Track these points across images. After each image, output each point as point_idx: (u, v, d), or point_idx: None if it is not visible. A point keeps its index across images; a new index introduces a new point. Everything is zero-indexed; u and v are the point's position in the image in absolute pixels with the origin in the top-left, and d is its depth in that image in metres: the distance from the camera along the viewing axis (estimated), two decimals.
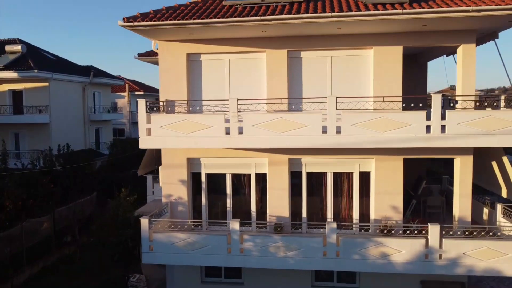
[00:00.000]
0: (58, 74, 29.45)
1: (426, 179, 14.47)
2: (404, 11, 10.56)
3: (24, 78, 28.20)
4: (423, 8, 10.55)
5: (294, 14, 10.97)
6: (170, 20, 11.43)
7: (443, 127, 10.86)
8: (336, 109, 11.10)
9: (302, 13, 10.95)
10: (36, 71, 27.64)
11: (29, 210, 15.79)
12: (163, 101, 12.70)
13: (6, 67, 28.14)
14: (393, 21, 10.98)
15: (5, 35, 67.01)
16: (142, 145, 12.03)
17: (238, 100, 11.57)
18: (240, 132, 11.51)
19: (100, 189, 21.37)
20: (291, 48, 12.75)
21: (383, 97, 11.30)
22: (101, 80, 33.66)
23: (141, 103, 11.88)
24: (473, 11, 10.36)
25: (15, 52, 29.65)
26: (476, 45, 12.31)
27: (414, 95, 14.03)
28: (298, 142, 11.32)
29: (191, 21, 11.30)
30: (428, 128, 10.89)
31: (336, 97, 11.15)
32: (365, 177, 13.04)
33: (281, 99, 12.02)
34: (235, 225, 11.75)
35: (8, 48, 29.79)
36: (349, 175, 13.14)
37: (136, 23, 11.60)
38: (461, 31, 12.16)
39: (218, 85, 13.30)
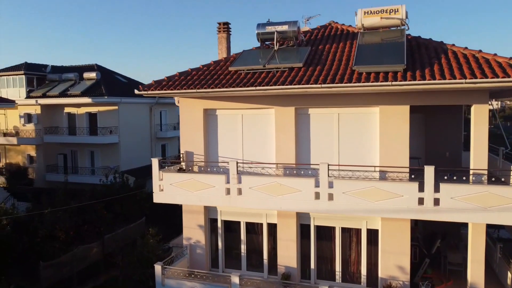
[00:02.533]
0: (126, 98, 32.40)
1: (442, 235, 13.93)
2: (394, 83, 10.47)
3: (98, 103, 31.58)
4: (414, 80, 10.37)
5: (287, 85, 11.41)
6: (178, 89, 12.54)
7: (436, 200, 10.58)
8: (329, 176, 11.34)
9: (295, 84, 11.35)
10: (106, 97, 30.80)
11: (81, 237, 18.13)
12: (172, 160, 13.83)
13: (83, 93, 31.73)
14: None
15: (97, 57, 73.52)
16: (156, 199, 13.33)
17: (237, 162, 12.31)
18: (240, 193, 12.25)
19: (150, 212, 23.39)
20: (298, 106, 13.13)
21: (374, 166, 11.28)
22: (167, 100, 36.24)
23: (154, 162, 13.17)
24: (467, 83, 9.97)
25: (91, 79, 33.25)
26: (491, 99, 11.63)
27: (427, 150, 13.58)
28: (292, 206, 11.77)
29: (195, 90, 12.31)
30: (421, 199, 10.69)
31: (328, 164, 11.38)
32: (373, 234, 13.02)
33: (276, 164, 12.56)
34: (235, 279, 12.55)
35: (85, 75, 33.51)
36: (357, 231, 13.19)
37: (150, 92, 12.91)
38: (472, 91, 11.61)
39: (232, 137, 14.13)
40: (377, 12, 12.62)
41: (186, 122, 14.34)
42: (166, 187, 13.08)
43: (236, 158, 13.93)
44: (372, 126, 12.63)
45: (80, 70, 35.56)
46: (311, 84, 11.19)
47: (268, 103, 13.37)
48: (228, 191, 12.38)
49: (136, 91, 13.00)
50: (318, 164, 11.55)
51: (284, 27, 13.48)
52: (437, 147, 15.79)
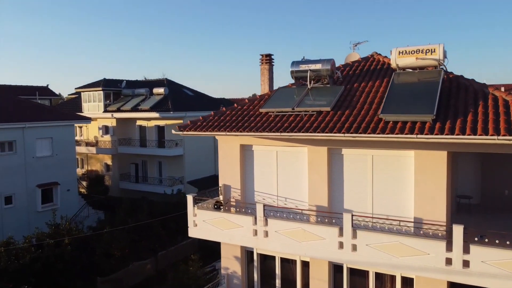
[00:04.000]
0: (191, 112, 33.93)
1: None
2: (419, 136, 9.93)
3: (165, 117, 33.49)
4: (441, 134, 9.74)
5: (311, 132, 11.33)
6: (210, 130, 13.03)
7: (466, 262, 9.86)
8: (352, 226, 11.08)
9: (319, 132, 11.23)
10: (172, 112, 32.53)
11: (136, 252, 19.54)
12: (199, 198, 14.29)
13: (152, 108, 33.84)
14: None
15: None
16: (191, 234, 13.96)
17: (264, 206, 12.47)
18: (266, 235, 12.41)
19: None
20: (331, 146, 12.94)
21: (399, 220, 10.77)
22: None
23: (189, 199, 13.81)
24: (499, 140, 9.15)
25: (159, 94, 35.31)
26: None
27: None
28: (316, 253, 11.67)
29: (225, 133, 12.70)
30: (449, 259, 10.03)
31: (352, 214, 11.11)
32: (408, 283, 12.45)
33: (302, 210, 12.47)
34: None
35: (155, 90, 35.67)
36: (392, 277, 12.70)
37: (185, 132, 13.56)
38: None
39: (268, 173, 14.31)
40: (413, 52, 11.95)
41: (224, 156, 14.78)
42: (200, 223, 13.65)
43: (271, 193, 14.11)
44: (407, 171, 12.03)
45: (151, 85, 37.88)
46: (335, 132, 10.99)
47: (300, 142, 13.33)
48: (255, 232, 12.60)
49: (173, 131, 13.73)
50: (342, 214, 11.29)
51: (318, 66, 13.32)
52: (494, 185, 14.60)
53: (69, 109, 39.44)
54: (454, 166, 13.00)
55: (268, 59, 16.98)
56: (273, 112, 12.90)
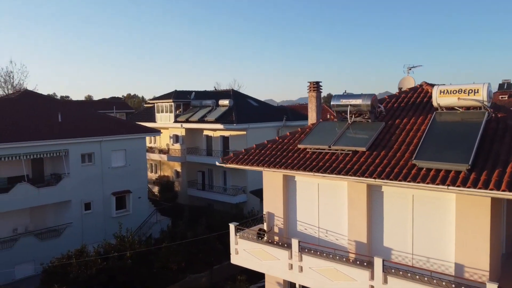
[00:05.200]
0: (254, 123, 34.84)
1: None
2: (451, 188, 9.61)
3: (228, 129, 34.77)
4: (474, 188, 9.33)
5: (343, 174, 11.40)
6: (250, 165, 13.62)
7: None
8: (383, 271, 10.99)
9: (350, 174, 11.27)
10: (235, 124, 33.68)
11: (193, 265, 20.73)
12: (240, 228, 14.81)
13: (217, 120, 35.28)
14: None
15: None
16: (233, 261, 14.66)
17: (299, 242, 12.76)
18: (301, 270, 12.70)
19: None
20: (380, 181, 12.83)
21: (431, 271, 10.46)
22: (293, 123, 37.62)
23: (232, 227, 14.50)
24: None
25: (224, 105, 36.67)
26: None
27: None
28: None
29: (263, 168, 13.19)
30: None
31: (383, 260, 11.02)
32: None
33: (334, 249, 12.49)
34: None
35: (220, 102, 37.10)
36: None
37: (228, 164, 14.26)
38: None
39: (309, 203, 14.53)
40: (455, 91, 11.41)
41: (268, 184, 15.25)
42: (241, 252, 14.29)
43: (313, 224, 14.32)
44: (448, 213, 11.59)
45: (217, 96, 39.42)
46: (366, 177, 10.96)
47: (341, 176, 13.37)
48: (290, 266, 12.94)
49: (217, 163, 14.49)
50: (377, 254, 11.23)
51: (358, 101, 13.25)
52: None
53: (144, 118, 42.46)
54: (504, 208, 12.22)
55: (315, 87, 17.08)
56: (310, 149, 13.10)
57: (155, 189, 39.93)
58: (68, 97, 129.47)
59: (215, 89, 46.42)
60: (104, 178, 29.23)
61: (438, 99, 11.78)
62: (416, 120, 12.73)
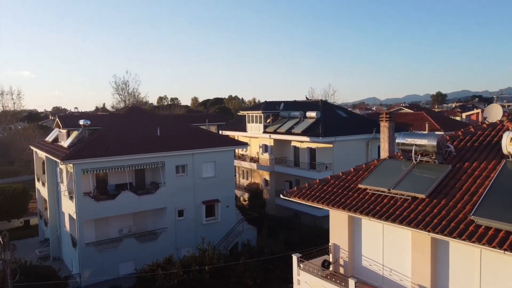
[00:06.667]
0: (341, 136, 34.59)
1: None
2: (507, 253, 8.99)
3: (315, 141, 35.01)
4: None
5: (397, 223, 11.22)
6: (311, 201, 13.98)
7: None
8: None
9: (405, 224, 11.05)
10: (320, 138, 33.80)
11: (269, 281, 21.58)
12: (302, 259, 15.07)
13: (303, 132, 35.75)
14: None
15: None
16: None
17: (356, 283, 12.80)
18: None
19: None
20: (434, 235, 12.36)
21: None
22: None
23: (294, 259, 15.00)
24: None
25: (312, 117, 36.92)
26: None
27: None
28: None
29: (322, 206, 13.48)
30: None
31: None
32: None
33: None
34: None
35: (308, 114, 37.43)
36: None
37: (291, 198, 14.78)
38: None
39: (374, 240, 14.41)
40: None
41: (334, 216, 15.37)
42: (302, 283, 14.73)
43: (377, 261, 14.19)
44: None
45: (305, 107, 39.78)
46: (420, 228, 10.68)
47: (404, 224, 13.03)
48: None
49: (281, 195, 15.08)
50: None
51: (423, 141, 12.79)
52: None
53: (236, 127, 44.60)
54: None
55: (388, 117, 16.69)
56: (370, 190, 13.02)
57: (245, 195, 41.74)
58: (176, 98, 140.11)
59: (306, 98, 46.91)
60: (195, 187, 31.59)
61: (508, 146, 10.91)
62: (487, 165, 11.89)
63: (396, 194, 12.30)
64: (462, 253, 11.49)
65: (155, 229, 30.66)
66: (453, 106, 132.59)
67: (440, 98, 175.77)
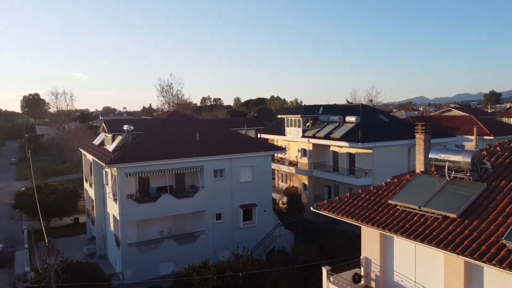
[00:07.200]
0: (381, 142, 33.90)
1: None
2: None
3: (354, 147, 34.53)
4: None
5: (426, 243, 11.00)
6: (340, 216, 13.95)
7: None
8: None
9: (433, 244, 10.82)
10: (360, 143, 33.31)
11: None
12: (331, 272, 14.98)
13: (342, 137, 35.36)
14: None
15: None
16: None
17: None
18: None
19: None
20: (464, 258, 11.97)
21: None
22: (432, 141, 35.20)
23: (324, 272, 15.01)
24: None
25: (351, 122, 36.40)
26: None
27: None
28: None
29: (351, 220, 13.42)
30: None
31: None
32: None
33: None
34: None
35: (347, 118, 36.94)
36: None
37: (322, 211, 14.81)
38: None
39: (406, 257, 14.14)
40: None
41: (366, 229, 15.26)
42: None
43: (409, 278, 13.95)
44: None
45: (345, 111, 39.29)
46: (449, 250, 10.42)
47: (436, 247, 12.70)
48: None
49: (311, 208, 15.14)
50: None
51: (457, 158, 12.42)
52: None
53: (275, 130, 44.78)
54: None
55: (424, 129, 16.24)
56: (401, 206, 12.81)
57: (284, 199, 41.84)
58: (219, 99, 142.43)
59: (347, 101, 46.31)
60: (233, 191, 32.11)
61: None
62: None
63: (427, 212, 12.03)
64: (497, 278, 11.08)
65: (194, 232, 31.48)
66: (507, 106, 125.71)
67: (493, 97, 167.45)
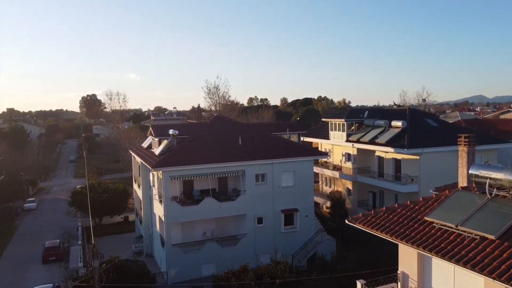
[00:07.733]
0: (428, 148, 32.70)
1: None
2: None
3: (399, 153, 33.57)
4: None
5: (461, 264, 10.63)
6: (375, 230, 13.75)
7: None
8: None
9: (468, 266, 10.44)
10: (406, 149, 32.34)
11: None
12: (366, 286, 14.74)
13: (388, 143, 34.47)
14: None
15: None
16: None
17: None
18: None
19: None
20: (500, 283, 11.44)
21: None
22: (481, 147, 33.55)
23: (358, 285, 14.84)
24: None
25: (397, 127, 35.40)
26: None
27: None
28: None
29: (385, 236, 13.19)
30: None
31: None
32: None
33: None
34: None
35: (393, 123, 35.95)
36: None
37: (356, 225, 14.66)
38: None
39: (444, 274, 13.67)
40: None
41: (402, 247, 14.94)
42: None
43: None
44: None
45: (391, 115, 38.24)
46: (484, 274, 10.01)
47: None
48: None
49: (346, 221, 15.02)
50: None
51: (499, 175, 11.86)
52: None
53: (319, 134, 44.42)
54: None
55: (467, 141, 15.56)
56: (437, 224, 12.42)
57: (328, 203, 41.44)
58: (266, 99, 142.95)
59: (395, 104, 44.97)
60: (274, 196, 32.30)
61: None
62: None
63: (464, 231, 11.60)
64: None
65: (236, 235, 32.00)
66: None
67: None
